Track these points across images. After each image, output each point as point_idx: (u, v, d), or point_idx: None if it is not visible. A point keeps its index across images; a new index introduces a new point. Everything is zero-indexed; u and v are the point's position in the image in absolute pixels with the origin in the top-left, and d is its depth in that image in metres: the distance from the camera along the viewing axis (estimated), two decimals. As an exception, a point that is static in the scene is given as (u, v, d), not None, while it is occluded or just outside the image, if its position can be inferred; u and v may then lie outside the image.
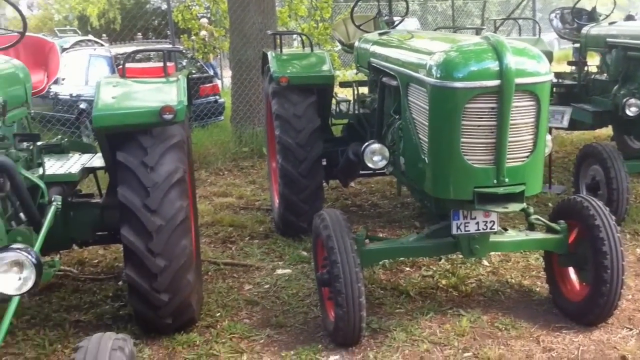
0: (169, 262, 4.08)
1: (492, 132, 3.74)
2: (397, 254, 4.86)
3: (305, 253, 5.88)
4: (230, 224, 6.85)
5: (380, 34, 5.90)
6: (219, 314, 4.80)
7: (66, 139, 5.42)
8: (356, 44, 6.36)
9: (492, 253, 5.38)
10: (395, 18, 6.73)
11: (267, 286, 5.29)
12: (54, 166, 4.62)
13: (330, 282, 4.11)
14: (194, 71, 12.07)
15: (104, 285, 5.40)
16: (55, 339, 4.47)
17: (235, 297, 5.10)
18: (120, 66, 4.48)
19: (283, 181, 6.01)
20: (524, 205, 3.91)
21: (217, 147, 10.05)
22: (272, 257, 5.95)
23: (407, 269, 5.47)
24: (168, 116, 4.03)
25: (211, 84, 12.91)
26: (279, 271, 5.59)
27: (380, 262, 5.42)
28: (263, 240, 6.37)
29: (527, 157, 3.86)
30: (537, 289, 4.99)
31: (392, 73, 4.84)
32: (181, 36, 13.07)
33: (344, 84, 7.22)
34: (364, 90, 6.58)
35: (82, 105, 11.73)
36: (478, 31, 6.51)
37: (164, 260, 4.07)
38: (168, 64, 4.47)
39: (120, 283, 5.37)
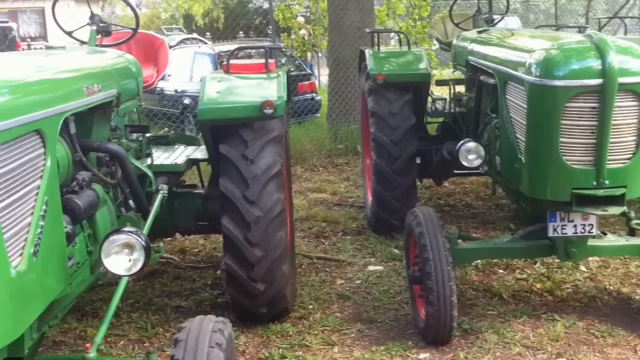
0: (265, 252, 4.22)
1: (592, 133, 3.66)
2: (490, 255, 4.82)
3: (397, 251, 5.91)
4: (323, 220, 6.97)
5: (479, 32, 5.85)
6: (311, 306, 4.92)
7: (172, 132, 5.69)
8: (454, 42, 6.33)
9: (590, 258, 5.24)
10: (495, 16, 6.65)
11: (358, 282, 5.37)
12: (161, 157, 4.87)
13: (422, 280, 4.13)
14: (292, 69, 12.30)
15: (203, 274, 5.63)
16: (157, 322, 4.71)
17: (328, 290, 5.20)
18: (225, 63, 4.66)
19: (377, 178, 6.07)
20: (625, 209, 3.81)
21: (313, 144, 10.21)
22: (364, 253, 6.02)
23: (501, 271, 5.41)
24: (268, 111, 4.17)
25: (308, 82, 13.12)
26: (371, 267, 5.65)
27: (473, 263, 5.39)
28: (355, 237, 6.45)
29: (629, 159, 3.75)
30: (637, 297, 4.82)
31: (490, 71, 4.80)
32: (281, 35, 13.34)
33: (440, 82, 7.19)
34: (461, 88, 6.54)
35: (186, 101, 12.17)
36: (581, 30, 6.32)
37: (261, 251, 4.21)
38: (269, 60, 4.61)
39: (218, 272, 5.58)
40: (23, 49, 17.56)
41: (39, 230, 2.57)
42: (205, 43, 17.25)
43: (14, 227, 2.41)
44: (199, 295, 5.16)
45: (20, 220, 2.47)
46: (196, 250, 6.26)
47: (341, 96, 10.44)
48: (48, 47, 4.16)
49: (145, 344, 4.43)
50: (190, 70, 12.66)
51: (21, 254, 2.45)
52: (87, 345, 2.85)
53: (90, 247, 3.31)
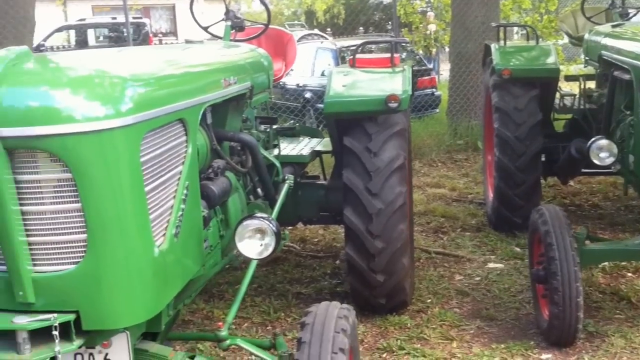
0: (386, 244, 4.26)
1: None
2: (620, 257, 4.64)
3: (518, 249, 5.80)
4: (442, 215, 6.92)
5: (614, 26, 5.62)
6: (429, 300, 4.92)
7: (297, 124, 5.84)
8: (586, 36, 6.10)
9: None
10: (630, 10, 6.35)
11: (478, 278, 5.31)
12: (287, 148, 5.02)
13: (547, 279, 4.04)
14: (412, 64, 12.27)
15: (323, 263, 5.76)
16: (279, 307, 4.88)
17: (446, 286, 5.18)
18: (350, 57, 4.74)
19: (499, 175, 5.96)
20: None
21: (432, 139, 10.15)
22: (484, 250, 5.94)
23: (629, 274, 5.18)
24: (393, 104, 4.20)
25: (429, 77, 13.03)
26: (491, 265, 5.57)
27: (600, 265, 5.20)
28: (475, 233, 6.37)
29: None
30: None
31: (625, 66, 4.60)
32: (402, 30, 13.32)
33: (569, 78, 6.95)
34: (591, 84, 6.29)
35: (308, 95, 12.42)
36: None
37: (382, 243, 4.26)
38: (394, 55, 4.64)
39: (337, 262, 5.70)
40: (155, 44, 18.50)
41: (180, 213, 2.74)
42: (326, 39, 17.49)
43: (159, 209, 2.59)
44: (319, 284, 5.29)
45: (164, 202, 2.65)
46: (316, 240, 6.41)
47: (462, 91, 10.30)
48: (187, 42, 4.41)
49: (267, 327, 4.60)
50: (312, 65, 12.90)
51: (164, 235, 2.63)
52: (219, 324, 3.01)
53: (222, 231, 3.48)
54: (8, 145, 2.17)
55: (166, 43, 19.58)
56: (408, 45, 13.32)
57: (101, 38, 20.33)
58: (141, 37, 18.29)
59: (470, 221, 6.72)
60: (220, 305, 4.94)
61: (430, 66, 14.70)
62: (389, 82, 4.40)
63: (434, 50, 15.39)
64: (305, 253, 6.01)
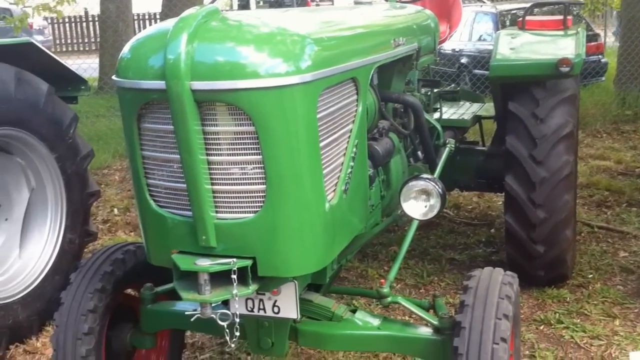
0: (549, 214, 4.12)
1: None
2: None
3: (692, 228, 5.41)
4: (606, 188, 6.58)
5: None
6: (591, 275, 4.72)
7: (459, 88, 5.73)
8: None
9: None
10: None
11: (645, 256, 5.02)
12: (447, 112, 4.95)
13: None
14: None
15: (477, 230, 5.67)
16: (432, 271, 4.88)
17: (609, 262, 4.94)
18: (519, 19, 4.57)
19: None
20: None
21: (597, 109, 9.61)
22: (652, 227, 5.59)
23: None
24: (564, 69, 4.02)
25: (595, 43, 12.28)
26: (660, 243, 5.25)
27: None
28: (643, 209, 6.01)
29: None
30: None
31: None
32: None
33: None
34: None
35: (463, 60, 12.13)
36: None
37: (544, 212, 4.12)
38: (567, 17, 4.41)
39: (492, 230, 5.59)
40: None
41: (349, 170, 2.79)
42: (484, 2, 16.92)
43: (330, 165, 2.65)
44: (473, 251, 5.23)
45: (335, 159, 2.71)
46: (470, 207, 6.31)
47: (634, 59, 9.63)
48: (357, 3, 4.45)
49: (420, 290, 4.63)
50: (469, 30, 12.55)
51: (334, 191, 2.69)
52: (382, 281, 3.05)
53: (383, 192, 3.51)
54: (198, 98, 2.29)
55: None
56: (574, 9, 12.60)
57: (261, 3, 20.87)
58: (300, 1, 18.58)
59: (637, 196, 6.33)
60: (374, 265, 5.02)
61: (599, 31, 13.82)
62: (560, 46, 4.21)
63: (600, 15, 14.43)
64: (459, 219, 5.95)
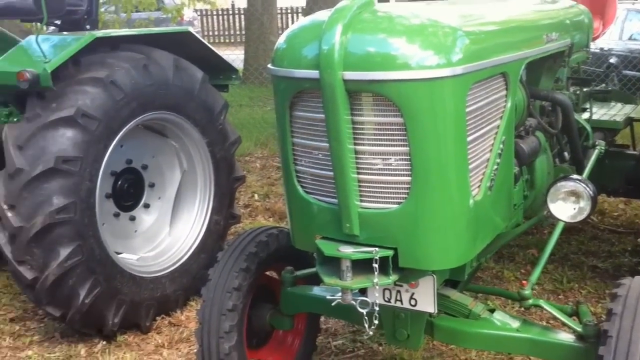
0: None
1: None
2: None
3: None
4: None
5: None
6: None
7: (611, 88, 5.46)
8: None
9: None
10: None
11: None
12: (598, 112, 4.73)
13: None
14: None
15: (622, 239, 5.39)
16: (572, 277, 4.69)
17: None
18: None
19: None
20: None
21: None
22: None
23: None
24: None
25: None
26: None
27: None
28: None
29: None
30: None
31: None
32: None
33: None
34: None
35: (612, 60, 11.51)
36: None
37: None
38: None
39: (639, 240, 5.29)
40: None
41: (495, 167, 2.75)
42: (637, 0, 15.94)
43: (476, 160, 2.62)
44: (617, 259, 4.98)
45: (481, 155, 2.67)
46: (616, 213, 6.00)
47: None
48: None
49: (559, 296, 4.46)
50: (620, 28, 11.89)
51: (478, 187, 2.66)
52: (523, 282, 2.98)
53: (527, 191, 3.42)
54: (349, 88, 2.34)
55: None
56: None
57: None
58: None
59: None
60: (511, 266, 4.90)
61: None
62: None
63: None
64: (603, 226, 5.67)
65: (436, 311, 2.75)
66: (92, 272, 3.72)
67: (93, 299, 3.73)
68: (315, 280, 3.09)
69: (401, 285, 2.72)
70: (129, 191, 4.30)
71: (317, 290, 3.19)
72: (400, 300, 2.76)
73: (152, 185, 4.44)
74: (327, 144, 2.43)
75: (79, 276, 3.67)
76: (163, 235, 4.45)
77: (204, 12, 24.47)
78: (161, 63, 4.10)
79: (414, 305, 2.74)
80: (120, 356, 3.82)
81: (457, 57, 2.39)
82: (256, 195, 6.72)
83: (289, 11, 24.37)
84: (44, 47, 3.74)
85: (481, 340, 2.92)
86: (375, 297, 2.59)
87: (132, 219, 4.36)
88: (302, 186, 2.63)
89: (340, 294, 2.51)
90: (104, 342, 3.94)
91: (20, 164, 3.56)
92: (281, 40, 2.61)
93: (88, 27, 4.64)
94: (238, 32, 24.37)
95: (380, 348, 3.84)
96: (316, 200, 2.59)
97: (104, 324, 3.87)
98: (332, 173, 2.46)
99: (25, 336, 4.05)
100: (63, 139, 3.60)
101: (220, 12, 25.54)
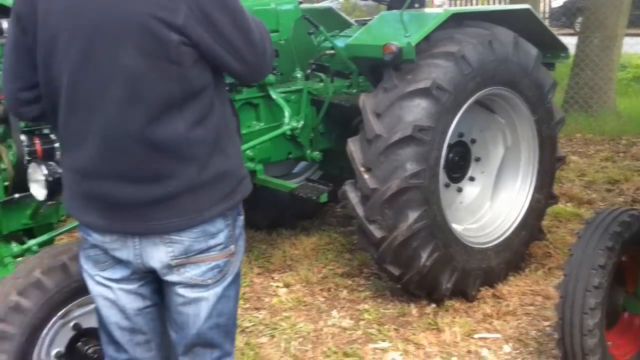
0: None
1: None
2: None
3: None
4: None
5: None
6: None
7: None
8: None
9: None
10: None
11: None
12: None
13: None
14: None
15: None
16: None
17: None
18: None
19: None
20: None
21: None
22: None
23: None
24: None
25: None
26: None
27: None
28: None
29: None
30: None
31: None
32: None
33: None
34: None
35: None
36: None
37: None
38: None
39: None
40: None
41: None
42: None
43: None
44: None
45: None
46: None
47: None
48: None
49: None
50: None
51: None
52: None
53: None
54: None
55: None
56: None
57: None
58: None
59: None
60: None
61: None
62: None
63: None
64: None
65: None
66: (433, 237, 3.90)
67: (432, 262, 3.92)
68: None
69: None
70: (459, 163, 4.45)
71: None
72: None
73: (477, 160, 4.54)
74: None
75: (422, 239, 3.87)
76: (484, 209, 4.54)
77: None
78: (502, 39, 4.15)
79: None
80: (451, 320, 3.98)
81: None
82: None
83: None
84: (405, 23, 3.96)
85: None
86: None
87: (459, 190, 4.51)
88: None
89: None
90: (434, 305, 4.13)
91: (379, 130, 3.82)
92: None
93: (417, 5, 4.81)
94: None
95: None
96: None
97: (436, 287, 4.05)
98: None
99: (358, 291, 4.37)
100: (419, 109, 3.80)
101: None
